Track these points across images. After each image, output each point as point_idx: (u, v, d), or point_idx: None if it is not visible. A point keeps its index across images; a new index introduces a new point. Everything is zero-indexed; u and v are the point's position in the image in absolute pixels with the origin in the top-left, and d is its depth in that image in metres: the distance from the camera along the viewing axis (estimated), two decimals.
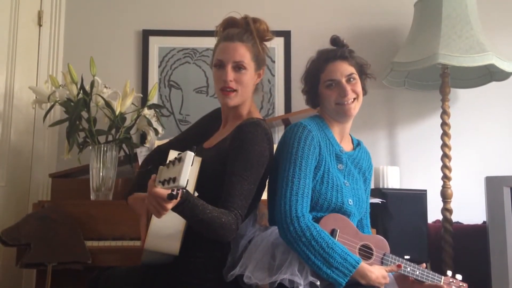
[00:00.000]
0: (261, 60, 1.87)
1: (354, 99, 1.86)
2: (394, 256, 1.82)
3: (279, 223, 1.72)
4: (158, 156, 2.00)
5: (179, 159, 1.38)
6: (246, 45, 1.81)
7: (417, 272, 1.81)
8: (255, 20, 1.87)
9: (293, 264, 1.67)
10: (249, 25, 1.85)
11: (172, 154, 1.71)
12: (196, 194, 1.61)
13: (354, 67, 1.88)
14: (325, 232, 1.71)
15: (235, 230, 1.63)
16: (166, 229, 1.62)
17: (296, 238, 1.67)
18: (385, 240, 1.86)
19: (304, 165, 1.76)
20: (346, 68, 1.87)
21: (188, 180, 1.36)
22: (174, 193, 1.41)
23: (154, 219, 1.61)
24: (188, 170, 1.36)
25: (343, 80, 1.85)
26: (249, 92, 1.84)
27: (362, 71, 1.92)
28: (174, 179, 1.36)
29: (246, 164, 1.68)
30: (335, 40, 1.93)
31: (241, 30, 1.84)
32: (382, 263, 1.80)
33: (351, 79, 1.86)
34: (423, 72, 2.97)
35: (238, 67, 1.80)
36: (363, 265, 1.69)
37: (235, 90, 1.80)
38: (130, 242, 2.36)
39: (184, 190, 1.46)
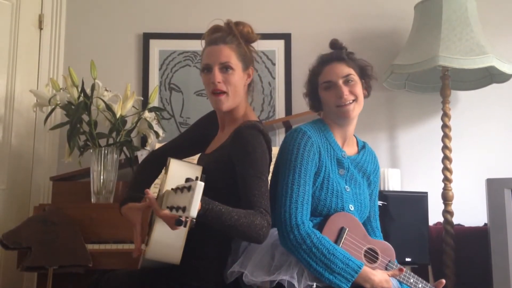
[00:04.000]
0: (248, 60, 1.86)
1: (353, 100, 1.84)
2: (399, 266, 1.81)
3: (280, 231, 1.72)
4: (154, 161, 1.99)
5: (189, 188, 1.35)
6: (230, 46, 1.82)
7: (420, 286, 1.79)
8: (238, 23, 1.88)
9: (292, 267, 1.67)
10: (232, 29, 1.86)
11: (174, 164, 1.69)
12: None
13: (353, 68, 1.86)
14: (325, 238, 1.70)
15: (268, 228, 1.61)
16: (169, 239, 1.59)
17: (297, 245, 1.67)
18: (392, 248, 1.85)
19: (303, 172, 1.76)
20: (343, 70, 1.85)
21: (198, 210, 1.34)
22: (183, 220, 1.38)
23: (156, 229, 1.59)
24: (199, 200, 1.34)
25: (340, 82, 1.84)
26: (240, 93, 1.83)
27: (363, 73, 1.90)
28: (184, 209, 1.35)
29: (256, 166, 1.67)
30: (333, 43, 1.93)
31: (224, 33, 1.85)
32: (386, 270, 1.79)
33: (350, 81, 1.84)
34: (423, 75, 2.97)
35: (225, 67, 1.79)
36: (366, 268, 1.68)
37: (225, 92, 1.79)
38: (131, 245, 2.34)
39: (194, 220, 1.42)
